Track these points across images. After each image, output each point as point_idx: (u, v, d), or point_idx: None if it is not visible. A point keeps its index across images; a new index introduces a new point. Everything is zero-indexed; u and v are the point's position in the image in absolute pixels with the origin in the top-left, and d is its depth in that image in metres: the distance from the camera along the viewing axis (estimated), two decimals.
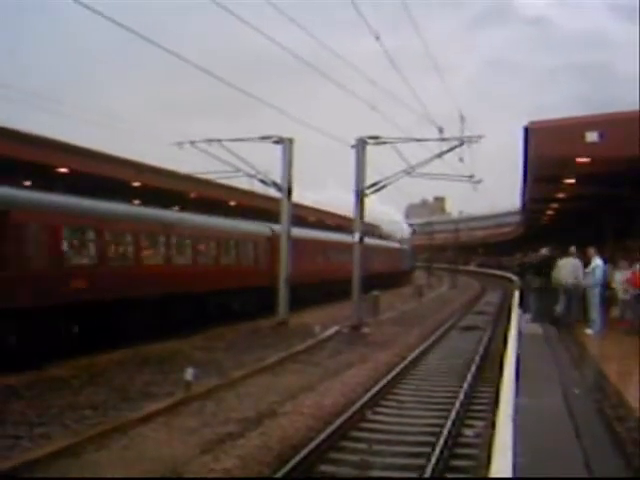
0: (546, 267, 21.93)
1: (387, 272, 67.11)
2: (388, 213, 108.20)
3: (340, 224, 60.12)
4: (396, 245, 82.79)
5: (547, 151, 19.66)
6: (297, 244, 33.47)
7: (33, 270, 19.23)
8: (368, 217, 35.37)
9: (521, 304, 25.68)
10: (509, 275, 69.79)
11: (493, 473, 6.35)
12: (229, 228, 32.58)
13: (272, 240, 34.26)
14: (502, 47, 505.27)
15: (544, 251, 22.09)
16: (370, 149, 30.48)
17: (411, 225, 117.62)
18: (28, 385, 16.30)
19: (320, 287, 43.25)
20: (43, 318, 19.09)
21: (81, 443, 11.63)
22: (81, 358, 19.57)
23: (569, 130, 18.91)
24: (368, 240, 36.30)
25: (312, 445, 11.59)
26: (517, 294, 31.84)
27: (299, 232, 36.47)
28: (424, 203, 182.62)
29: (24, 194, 21.22)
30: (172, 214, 31.09)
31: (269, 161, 32.81)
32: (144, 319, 23.39)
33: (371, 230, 71.89)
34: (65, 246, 21.22)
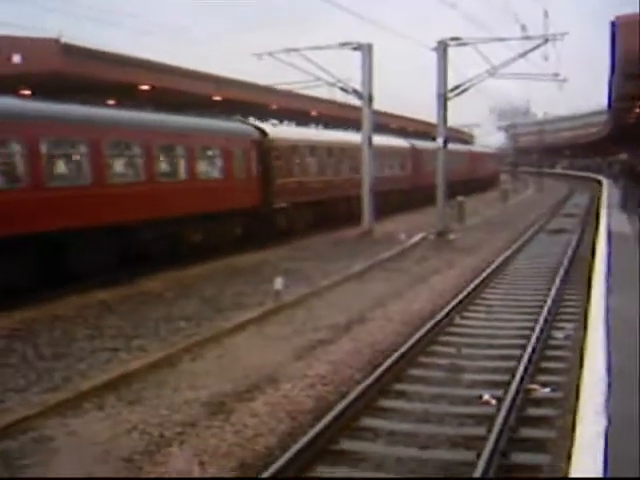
0: None
1: (482, 176, 67.40)
2: None
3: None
4: (488, 150, 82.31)
5: (635, 46, 18.85)
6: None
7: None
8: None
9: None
10: (596, 177, 68.30)
11: (586, 372, 6.36)
12: None
13: None
14: None
15: None
16: (451, 53, 29.81)
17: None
18: (121, 299, 16.90)
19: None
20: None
21: (177, 354, 12.05)
22: (171, 272, 20.14)
23: None
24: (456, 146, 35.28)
25: (402, 350, 11.73)
26: (606, 195, 31.13)
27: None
28: (508, 105, 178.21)
29: None
30: None
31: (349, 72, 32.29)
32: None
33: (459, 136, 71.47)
34: None
